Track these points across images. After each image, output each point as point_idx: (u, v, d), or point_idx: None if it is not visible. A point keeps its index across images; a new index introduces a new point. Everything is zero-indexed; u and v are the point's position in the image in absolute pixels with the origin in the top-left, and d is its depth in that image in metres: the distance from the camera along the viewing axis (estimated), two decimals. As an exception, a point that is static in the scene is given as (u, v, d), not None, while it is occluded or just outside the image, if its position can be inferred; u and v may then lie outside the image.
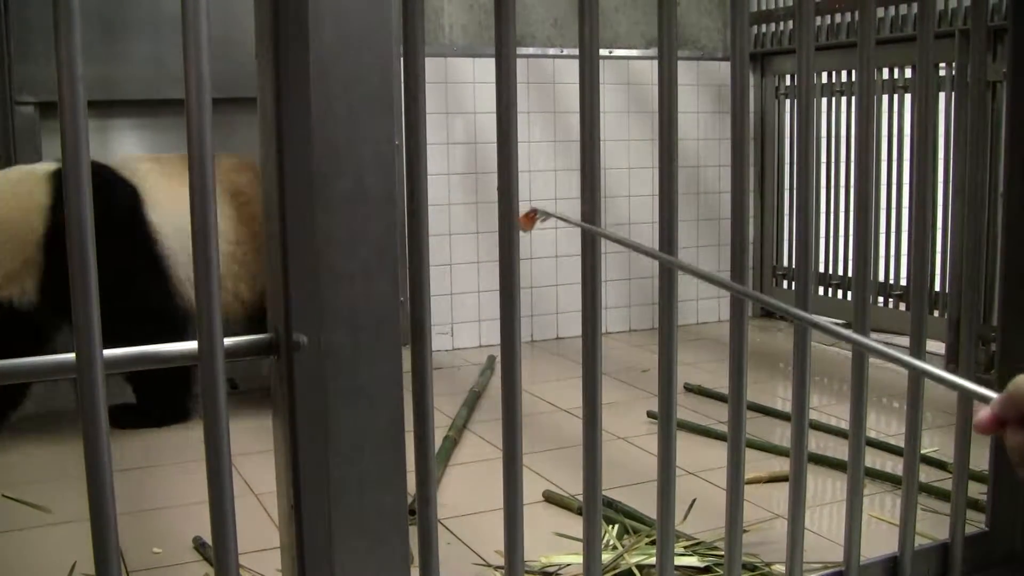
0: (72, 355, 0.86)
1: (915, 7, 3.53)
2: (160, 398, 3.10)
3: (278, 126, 0.95)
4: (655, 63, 1.45)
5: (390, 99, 0.92)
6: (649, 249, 1.11)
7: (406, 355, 1.11)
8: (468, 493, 2.52)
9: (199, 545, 2.18)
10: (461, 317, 4.12)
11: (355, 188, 0.90)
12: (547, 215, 1.19)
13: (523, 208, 1.22)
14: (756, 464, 2.61)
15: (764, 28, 4.43)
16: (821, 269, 4.27)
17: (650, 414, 3.07)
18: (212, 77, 0.88)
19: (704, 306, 4.55)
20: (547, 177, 4.18)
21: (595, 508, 1.45)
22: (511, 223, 1.24)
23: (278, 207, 0.95)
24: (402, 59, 1.20)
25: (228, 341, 0.91)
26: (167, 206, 2.98)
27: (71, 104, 0.82)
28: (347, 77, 0.90)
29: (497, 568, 2.06)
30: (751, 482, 2.41)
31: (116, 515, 0.90)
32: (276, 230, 0.95)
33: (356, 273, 0.91)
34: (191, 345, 0.91)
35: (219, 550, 0.93)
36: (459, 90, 4.03)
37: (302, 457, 0.98)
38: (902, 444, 1.88)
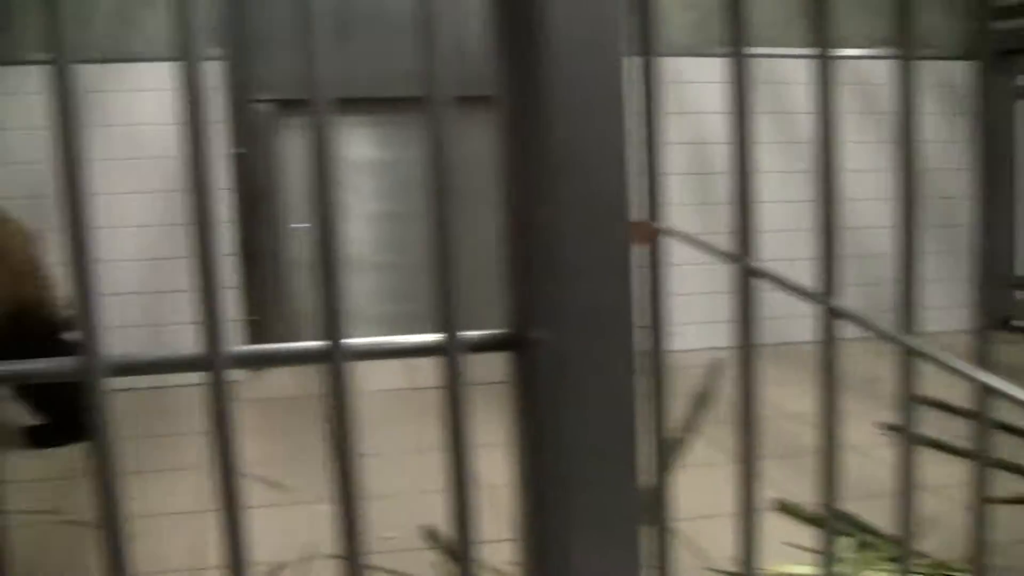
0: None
1: None
2: (64, 418, 2.95)
3: (512, 124, 0.96)
4: (881, 63, 1.38)
5: (622, 97, 0.91)
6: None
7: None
8: (696, 497, 2.49)
9: (430, 533, 2.24)
10: (689, 318, 4.07)
11: (588, 186, 0.90)
12: (669, 232, 1.14)
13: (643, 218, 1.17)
14: (1004, 485, 2.46)
15: (1004, 24, 4.16)
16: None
17: (883, 425, 2.95)
18: (448, 76, 0.90)
19: (944, 315, 4.33)
20: (769, 179, 4.08)
21: (831, 519, 1.40)
22: (746, 225, 1.21)
23: (515, 204, 0.96)
24: (634, 58, 1.19)
25: (467, 334, 0.93)
26: None
27: (318, 102, 0.86)
28: (580, 75, 0.91)
29: (726, 575, 2.03)
30: (996, 502, 2.27)
31: (360, 498, 0.93)
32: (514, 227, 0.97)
33: (591, 271, 0.91)
34: (435, 337, 0.93)
35: (460, 540, 0.95)
36: (679, 89, 3.99)
37: (537, 454, 0.99)
38: None
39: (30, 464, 2.83)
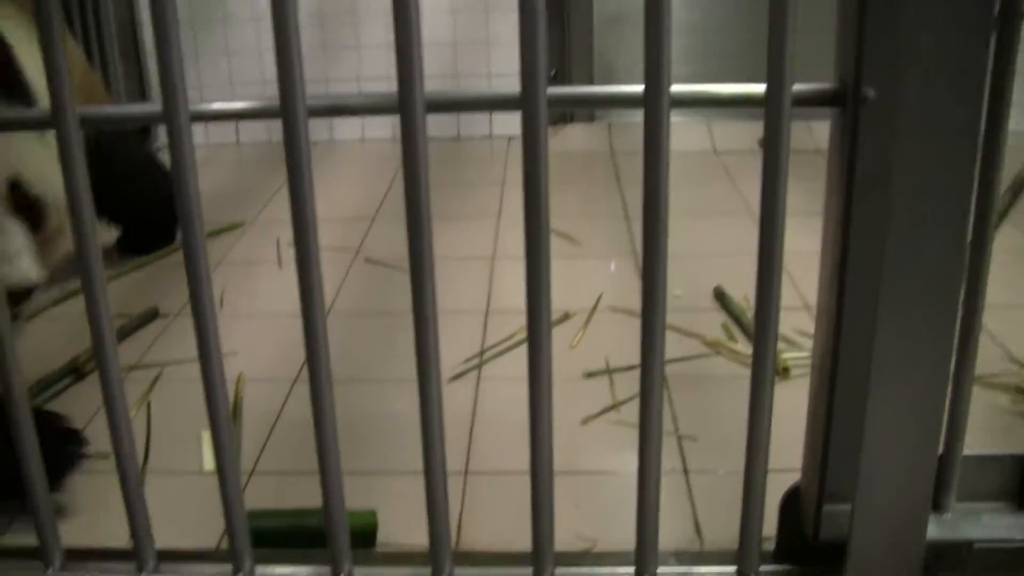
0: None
1: None
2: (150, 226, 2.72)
3: None
4: None
5: None
6: None
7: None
8: (998, 286, 2.35)
9: (719, 295, 2.24)
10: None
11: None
12: None
13: None
14: None
15: None
16: None
17: None
18: None
19: None
20: None
21: None
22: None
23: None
24: None
25: (795, 87, 0.87)
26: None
27: None
28: None
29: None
30: None
31: (668, 255, 0.92)
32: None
33: (939, 22, 0.82)
34: (759, 88, 0.88)
35: (762, 302, 0.93)
36: None
37: (855, 216, 0.94)
38: None
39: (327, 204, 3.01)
